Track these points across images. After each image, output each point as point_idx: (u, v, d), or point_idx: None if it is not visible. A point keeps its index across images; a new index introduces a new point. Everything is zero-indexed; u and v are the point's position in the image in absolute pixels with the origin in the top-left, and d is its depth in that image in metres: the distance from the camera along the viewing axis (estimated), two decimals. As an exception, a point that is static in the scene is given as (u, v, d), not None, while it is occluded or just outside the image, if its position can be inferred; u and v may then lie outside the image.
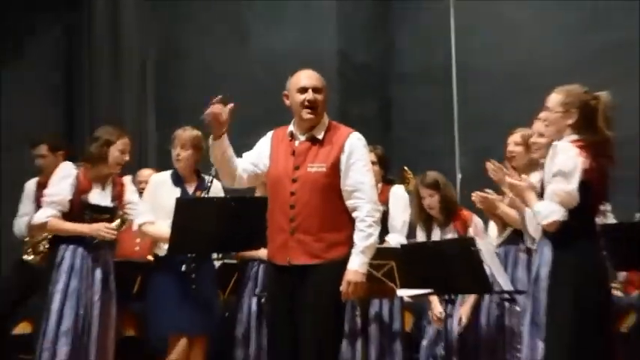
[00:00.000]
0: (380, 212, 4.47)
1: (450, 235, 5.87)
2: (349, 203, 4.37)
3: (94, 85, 7.86)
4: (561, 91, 4.36)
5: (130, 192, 5.65)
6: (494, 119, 8.03)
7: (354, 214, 4.35)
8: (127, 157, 5.52)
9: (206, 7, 9.17)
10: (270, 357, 4.73)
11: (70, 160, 5.71)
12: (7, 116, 7.19)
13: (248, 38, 9.34)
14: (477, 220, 5.87)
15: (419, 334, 6.06)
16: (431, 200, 5.90)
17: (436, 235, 5.95)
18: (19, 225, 6.27)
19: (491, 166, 4.75)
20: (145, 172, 6.81)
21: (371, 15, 9.96)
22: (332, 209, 4.35)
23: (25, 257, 6.05)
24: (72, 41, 7.89)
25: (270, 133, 4.64)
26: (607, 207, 6.06)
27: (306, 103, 4.39)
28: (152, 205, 5.69)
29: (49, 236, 5.65)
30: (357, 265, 4.26)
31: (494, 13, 9.27)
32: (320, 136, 4.45)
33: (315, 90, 4.42)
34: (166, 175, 5.86)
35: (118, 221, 5.54)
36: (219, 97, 4.28)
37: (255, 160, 4.56)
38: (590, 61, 8.27)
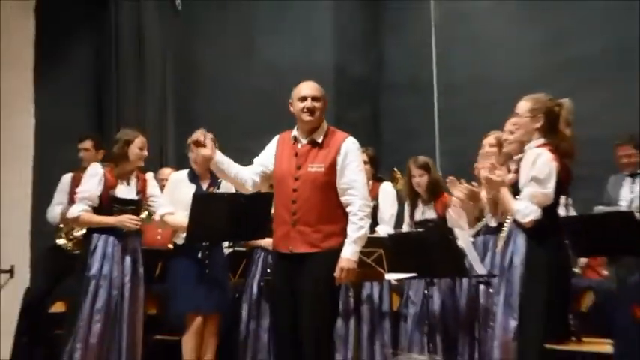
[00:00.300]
0: (370, 207, 4.50)
1: (429, 213, 5.95)
2: (344, 199, 4.39)
3: (121, 93, 7.85)
4: (529, 98, 4.39)
5: (152, 187, 5.67)
6: (469, 125, 8.02)
7: (347, 209, 4.38)
8: (145, 153, 5.56)
9: (218, 25, 9.16)
10: (273, 330, 4.75)
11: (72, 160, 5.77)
12: (47, 117, 7.17)
13: (254, 52, 9.32)
14: (455, 202, 5.89)
15: (404, 312, 6.06)
16: (420, 179, 5.96)
17: (419, 211, 6.02)
18: (53, 213, 6.26)
19: (479, 167, 4.79)
20: (165, 171, 6.84)
21: (363, 33, 9.95)
22: (329, 204, 4.38)
23: (59, 241, 6.05)
24: (102, 56, 7.88)
25: (276, 137, 4.66)
26: (569, 201, 6.08)
27: (305, 110, 4.44)
28: (171, 200, 5.71)
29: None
30: (349, 253, 4.29)
31: (471, 33, 9.27)
32: (319, 140, 4.48)
33: (314, 98, 4.47)
34: (183, 173, 5.88)
35: (145, 214, 5.57)
36: (199, 133, 4.32)
37: (265, 161, 4.58)
38: (553, 74, 8.27)
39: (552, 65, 8.50)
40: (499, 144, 5.53)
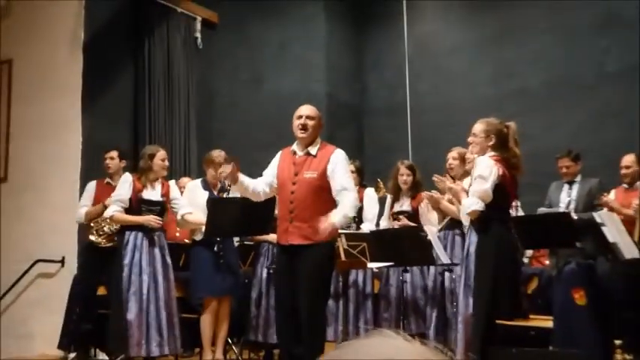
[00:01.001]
0: (357, 207, 4.48)
1: (406, 206, 5.93)
2: (338, 198, 4.36)
3: (152, 116, 7.81)
4: (483, 121, 4.38)
5: (174, 191, 5.59)
6: (436, 141, 7.99)
7: (343, 201, 4.34)
8: (167, 164, 5.51)
9: (232, 60, 9.14)
10: (277, 311, 4.70)
11: (129, 171, 5.71)
12: (91, 136, 7.14)
13: (262, 83, 9.30)
14: (426, 202, 5.85)
15: (384, 295, 6.00)
16: (407, 178, 5.93)
17: (398, 204, 6.00)
18: (79, 214, 6.16)
19: (435, 178, 4.79)
20: (184, 180, 6.77)
21: (349, 68, 9.94)
22: (321, 204, 4.33)
23: (91, 237, 5.96)
24: (138, 86, 7.86)
25: (279, 152, 4.66)
26: (518, 204, 6.04)
27: (300, 126, 4.43)
28: (189, 202, 5.64)
29: (115, 225, 5.68)
30: (336, 218, 4.22)
31: (437, 67, 9.26)
32: (314, 152, 4.47)
33: (308, 117, 4.48)
34: (198, 181, 5.86)
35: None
36: (228, 164, 4.41)
37: (272, 172, 4.58)
38: (502, 101, 8.26)
39: (502, 94, 8.50)
40: (460, 157, 5.51)
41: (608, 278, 4.97)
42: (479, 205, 4.15)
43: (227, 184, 5.54)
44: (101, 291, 6.03)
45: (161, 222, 5.35)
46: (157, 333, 5.21)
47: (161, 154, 5.45)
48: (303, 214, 4.33)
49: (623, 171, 5.60)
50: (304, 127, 4.44)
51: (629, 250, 4.47)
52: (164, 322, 5.23)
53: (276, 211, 4.67)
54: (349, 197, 4.34)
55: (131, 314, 5.12)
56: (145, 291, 5.20)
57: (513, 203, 4.71)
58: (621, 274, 4.80)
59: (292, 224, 4.34)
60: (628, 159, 5.62)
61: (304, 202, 4.34)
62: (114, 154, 6.18)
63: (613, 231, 4.44)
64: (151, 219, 5.25)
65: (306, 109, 4.52)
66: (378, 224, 6.08)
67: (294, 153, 4.51)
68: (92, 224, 5.95)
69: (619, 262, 4.55)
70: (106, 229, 5.87)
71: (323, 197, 4.35)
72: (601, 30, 8.02)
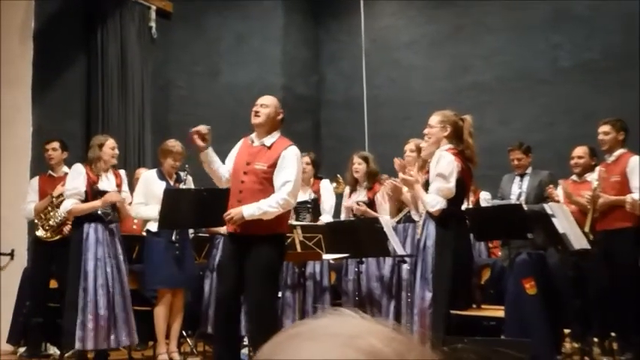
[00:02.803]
0: (290, 205, 4.46)
1: (362, 196, 5.92)
2: (276, 190, 4.36)
3: (106, 106, 7.68)
4: (439, 113, 4.42)
5: (125, 182, 5.56)
6: (392, 134, 8.05)
7: (272, 195, 4.35)
8: (117, 152, 5.43)
9: (188, 51, 9.04)
10: (218, 304, 4.63)
11: (68, 161, 5.66)
12: (42, 126, 7.00)
13: (218, 75, 9.24)
14: (382, 193, 5.89)
15: (340, 286, 6.03)
16: (359, 167, 5.94)
17: (355, 195, 6.01)
18: (28, 210, 6.03)
19: (397, 161, 4.83)
20: (141, 171, 6.68)
21: (306, 60, 9.94)
22: (268, 195, 4.33)
23: (38, 233, 5.85)
24: (90, 76, 7.72)
25: (241, 140, 4.66)
26: (488, 196, 6.15)
27: (253, 112, 4.46)
28: (145, 193, 5.57)
29: (60, 217, 5.54)
30: (247, 211, 4.23)
31: (394, 59, 9.32)
32: (268, 144, 4.46)
33: (262, 105, 4.48)
34: (153, 172, 5.78)
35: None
36: (203, 127, 4.36)
37: (231, 160, 4.56)
38: (456, 95, 8.36)
39: (457, 88, 8.61)
40: (417, 149, 5.55)
41: (558, 268, 5.10)
42: (442, 204, 4.20)
43: (183, 175, 5.51)
44: (52, 284, 5.92)
45: (121, 197, 5.29)
46: (125, 325, 5.17)
47: (110, 142, 5.37)
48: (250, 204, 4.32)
49: (575, 161, 5.72)
50: (256, 113, 4.44)
51: (578, 241, 4.59)
52: (122, 317, 5.18)
53: None
54: (276, 195, 4.31)
55: (101, 309, 5.06)
56: (111, 283, 5.14)
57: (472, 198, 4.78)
58: (570, 265, 4.93)
59: None
60: (580, 150, 5.74)
61: (252, 192, 4.34)
62: (55, 144, 6.06)
63: (563, 222, 4.55)
64: (106, 198, 5.16)
65: (262, 99, 4.55)
66: (335, 215, 6.10)
67: (252, 142, 4.50)
68: (36, 220, 5.84)
69: (568, 252, 4.66)
70: (51, 222, 5.76)
71: (270, 190, 4.35)
72: (554, 26, 8.20)
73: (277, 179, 4.35)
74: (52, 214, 5.72)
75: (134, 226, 6.24)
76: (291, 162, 4.39)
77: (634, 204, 4.93)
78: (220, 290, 4.51)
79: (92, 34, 7.73)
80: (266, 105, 4.48)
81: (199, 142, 4.34)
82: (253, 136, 4.53)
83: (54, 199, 5.72)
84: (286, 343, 0.55)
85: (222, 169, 4.49)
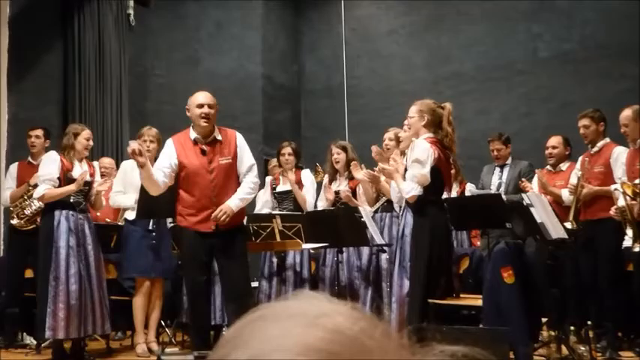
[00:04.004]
0: (256, 186, 4.59)
1: (343, 186, 5.93)
2: (242, 178, 4.49)
3: (83, 95, 7.61)
4: (417, 103, 4.43)
5: (98, 173, 5.49)
6: (372, 123, 8.06)
7: (243, 183, 4.48)
8: (91, 143, 5.34)
9: (166, 39, 8.96)
10: (192, 298, 4.62)
11: (47, 150, 5.59)
12: (18, 114, 6.91)
13: (198, 63, 9.17)
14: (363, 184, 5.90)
15: (320, 276, 6.03)
16: (338, 157, 5.94)
17: (335, 184, 6.00)
18: (4, 197, 5.95)
19: (375, 149, 4.83)
20: (105, 160, 6.59)
21: (286, 49, 9.90)
22: (236, 185, 4.48)
23: (12, 222, 5.78)
24: (67, 63, 7.65)
25: (170, 142, 4.56)
26: (471, 187, 6.18)
27: (203, 115, 4.40)
28: (124, 182, 5.52)
29: (35, 206, 5.49)
30: (233, 204, 4.37)
31: (374, 50, 9.32)
32: (219, 138, 4.50)
33: (209, 106, 4.46)
34: (132, 161, 5.68)
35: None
36: (135, 145, 4.21)
37: (168, 164, 4.44)
38: (438, 84, 8.39)
39: (437, 78, 8.63)
40: (396, 138, 5.55)
41: (535, 258, 5.13)
42: (418, 190, 4.19)
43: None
44: (28, 274, 5.85)
45: (89, 177, 5.23)
46: (92, 314, 5.12)
47: (86, 133, 5.29)
48: (225, 199, 4.38)
49: (549, 151, 5.75)
50: (207, 117, 4.40)
51: (555, 231, 4.62)
52: (97, 305, 5.13)
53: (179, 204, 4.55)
54: (247, 180, 4.48)
55: (73, 299, 4.99)
56: (83, 272, 5.09)
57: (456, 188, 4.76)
58: (548, 254, 4.96)
59: (216, 209, 4.35)
60: (554, 140, 5.78)
61: (225, 186, 4.41)
62: (39, 132, 5.98)
63: (540, 212, 4.57)
64: (79, 180, 5.07)
65: (206, 97, 4.47)
66: (316, 205, 6.11)
67: (197, 142, 4.45)
68: (12, 208, 5.77)
69: (546, 241, 4.70)
70: (27, 211, 5.69)
71: (235, 179, 4.49)
72: (533, 16, 8.23)
73: (242, 166, 4.49)
74: (27, 202, 5.65)
75: (107, 220, 6.17)
76: (246, 146, 4.57)
77: (617, 210, 4.91)
78: (198, 281, 4.47)
79: (69, 20, 7.65)
80: (212, 106, 4.47)
81: (140, 159, 4.20)
82: (193, 135, 4.46)
83: (30, 187, 5.65)
84: (250, 326, 0.54)
85: (160, 176, 4.40)
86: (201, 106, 4.41)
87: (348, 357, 0.48)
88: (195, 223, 4.42)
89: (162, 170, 4.42)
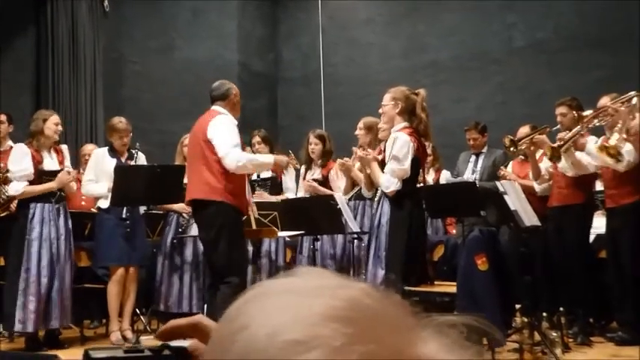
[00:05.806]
0: None
1: (317, 174, 5.97)
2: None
3: (56, 82, 7.50)
4: (391, 90, 4.44)
5: (67, 158, 5.45)
6: (349, 112, 8.05)
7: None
8: (60, 128, 5.32)
9: (142, 26, 8.85)
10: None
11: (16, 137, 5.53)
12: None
13: (174, 50, 9.09)
14: (336, 169, 5.90)
15: (296, 264, 6.03)
16: (315, 147, 5.95)
17: (310, 173, 6.05)
18: None
19: (357, 151, 4.80)
20: (89, 147, 6.54)
21: (263, 36, 9.85)
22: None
23: None
24: (40, 50, 7.54)
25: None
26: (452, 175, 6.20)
27: None
28: (95, 171, 5.47)
29: (6, 195, 5.44)
30: None
31: (351, 38, 9.31)
32: None
33: None
34: (104, 149, 5.66)
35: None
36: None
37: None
38: (415, 73, 8.39)
39: (414, 67, 8.64)
40: (367, 127, 5.55)
41: (509, 245, 5.18)
42: (397, 185, 4.21)
43: (134, 153, 5.42)
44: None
45: (73, 175, 5.21)
46: (59, 307, 5.08)
47: (54, 118, 5.25)
48: None
49: (519, 142, 5.80)
50: None
51: (529, 218, 4.66)
52: (58, 296, 5.10)
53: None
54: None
55: (44, 289, 4.98)
56: (55, 265, 5.05)
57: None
58: (521, 241, 5.01)
59: None
60: (523, 131, 5.81)
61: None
62: (2, 117, 5.89)
63: (514, 199, 4.61)
64: (62, 178, 5.05)
65: None
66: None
67: None
68: None
69: (519, 229, 4.74)
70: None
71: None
72: (509, 5, 8.26)
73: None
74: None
75: (82, 202, 6.11)
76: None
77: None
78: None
79: (42, 6, 7.54)
80: None
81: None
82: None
83: (1, 174, 5.56)
84: (251, 303, 0.52)
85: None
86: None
87: (363, 323, 0.47)
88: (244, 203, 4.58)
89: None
